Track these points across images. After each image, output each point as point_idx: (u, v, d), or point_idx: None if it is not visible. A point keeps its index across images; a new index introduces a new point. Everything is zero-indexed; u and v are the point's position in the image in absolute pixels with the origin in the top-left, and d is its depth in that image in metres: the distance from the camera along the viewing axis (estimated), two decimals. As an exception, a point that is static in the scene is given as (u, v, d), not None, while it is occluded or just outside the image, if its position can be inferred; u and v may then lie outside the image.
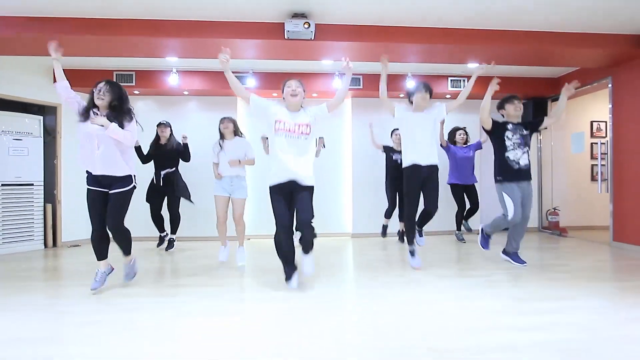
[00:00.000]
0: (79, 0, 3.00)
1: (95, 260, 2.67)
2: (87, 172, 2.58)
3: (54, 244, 4.62)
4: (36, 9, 3.13)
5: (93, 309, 2.33)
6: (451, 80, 5.09)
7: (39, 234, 4.50)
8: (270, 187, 2.66)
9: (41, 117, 4.57)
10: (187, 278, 3.07)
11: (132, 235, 2.77)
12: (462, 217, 4.71)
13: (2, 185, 4.20)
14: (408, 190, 3.20)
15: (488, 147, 5.01)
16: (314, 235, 2.77)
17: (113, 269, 2.79)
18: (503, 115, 3.37)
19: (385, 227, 4.72)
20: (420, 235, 3.47)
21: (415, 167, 3.12)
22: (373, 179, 5.19)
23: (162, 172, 4.23)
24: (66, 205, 4.64)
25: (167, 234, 4.42)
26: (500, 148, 3.27)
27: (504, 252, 3.44)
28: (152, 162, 4.28)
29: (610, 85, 4.44)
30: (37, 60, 4.33)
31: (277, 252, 2.73)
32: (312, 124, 2.66)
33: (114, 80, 4.61)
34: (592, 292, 2.55)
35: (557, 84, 5.29)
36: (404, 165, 3.21)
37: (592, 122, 5.87)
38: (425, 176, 3.14)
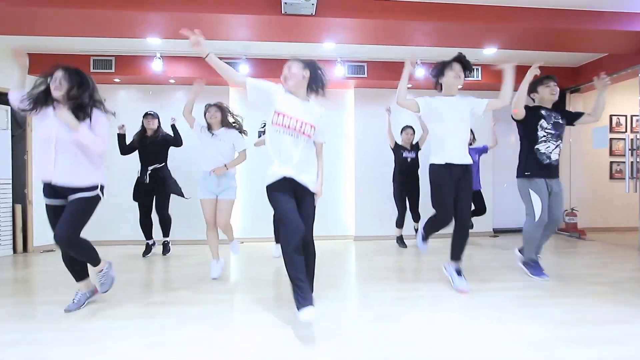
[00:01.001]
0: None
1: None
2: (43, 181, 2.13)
3: (25, 249, 4.16)
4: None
5: (61, 337, 1.89)
6: (463, 68, 4.67)
7: (7, 239, 4.03)
8: (267, 187, 2.08)
9: (8, 108, 4.08)
10: (170, 293, 2.63)
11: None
12: (473, 214, 4.33)
13: (-35, 181, 3.74)
14: (437, 197, 2.53)
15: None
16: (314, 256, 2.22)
17: (96, 291, 2.40)
18: (534, 100, 2.89)
19: (400, 238, 4.31)
20: (425, 241, 2.85)
21: (447, 167, 2.48)
22: (377, 176, 4.76)
23: (149, 168, 3.77)
24: (38, 205, 4.16)
25: (154, 242, 3.96)
26: (529, 138, 2.78)
27: (523, 262, 2.96)
28: (137, 156, 3.83)
29: (640, 74, 4.04)
30: (6, 43, 3.85)
31: (287, 268, 1.94)
32: (317, 126, 2.09)
33: (92, 66, 4.24)
34: (646, 312, 2.15)
35: (577, 74, 4.90)
36: (431, 162, 2.55)
37: (611, 116, 5.48)
38: (458, 178, 2.50)
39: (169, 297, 2.54)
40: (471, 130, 4.28)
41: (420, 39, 3.53)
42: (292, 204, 2.01)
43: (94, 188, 2.15)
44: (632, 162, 4.18)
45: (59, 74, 2.06)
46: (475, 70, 4.69)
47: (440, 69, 2.54)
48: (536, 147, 2.76)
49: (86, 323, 2.06)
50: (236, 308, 2.35)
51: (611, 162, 5.49)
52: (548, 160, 2.76)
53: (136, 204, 3.87)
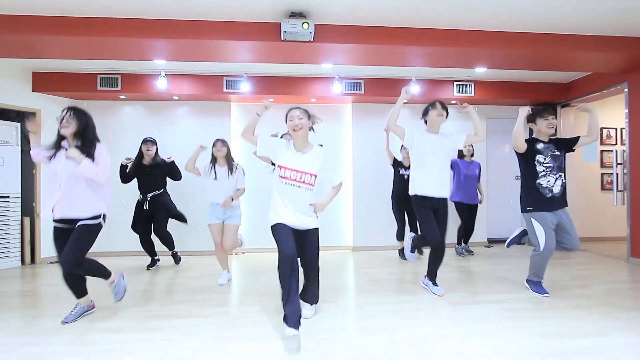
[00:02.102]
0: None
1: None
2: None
3: (32, 260, 4.28)
4: (9, 7, 2.82)
5: (64, 349, 2.02)
6: (457, 85, 4.84)
7: (16, 251, 4.16)
8: (271, 226, 2.31)
9: (18, 124, 4.24)
10: (176, 306, 2.74)
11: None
12: (465, 232, 4.51)
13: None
14: (421, 219, 2.81)
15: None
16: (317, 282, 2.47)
17: (94, 307, 2.58)
18: (532, 130, 2.95)
19: (402, 250, 4.43)
20: (412, 252, 3.13)
21: (425, 199, 2.77)
22: (375, 188, 4.91)
23: (149, 196, 3.85)
24: (46, 218, 4.30)
25: (159, 257, 4.08)
26: (529, 173, 2.81)
27: (527, 280, 3.02)
28: (136, 183, 3.90)
29: (626, 91, 4.20)
30: (15, 63, 4.02)
31: (281, 285, 2.18)
32: (318, 174, 2.31)
33: (99, 84, 4.40)
34: (626, 325, 2.28)
35: (567, 90, 5.07)
36: (411, 193, 2.85)
37: (601, 129, 5.64)
38: (435, 208, 2.79)
39: (175, 309, 2.66)
40: (471, 145, 4.47)
41: (414, 61, 3.68)
42: (290, 235, 2.23)
43: (97, 217, 2.34)
44: (618, 175, 4.33)
45: (66, 114, 2.31)
46: (468, 86, 4.86)
47: (425, 109, 2.88)
48: (537, 181, 2.77)
49: (93, 336, 2.19)
50: (241, 320, 2.46)
51: (602, 174, 5.63)
52: (551, 194, 2.75)
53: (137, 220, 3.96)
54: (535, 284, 2.95)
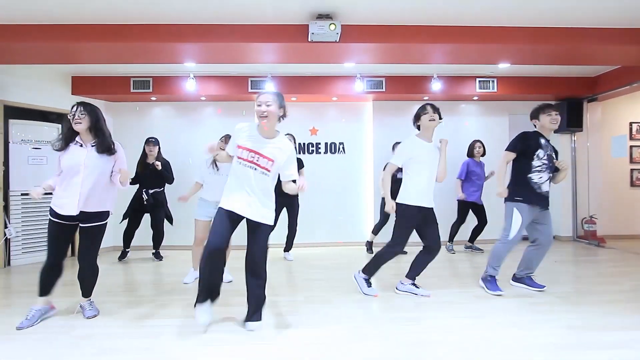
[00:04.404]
0: (94, 7, 2.90)
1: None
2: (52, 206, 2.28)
3: (72, 253, 4.57)
4: (53, 17, 3.05)
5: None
6: (479, 81, 4.82)
7: (58, 243, 4.46)
8: (218, 208, 2.18)
9: (59, 126, 4.52)
10: (166, 306, 2.65)
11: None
12: (458, 229, 4.55)
13: (22, 194, 4.17)
14: (400, 230, 2.72)
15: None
16: (264, 291, 2.25)
17: (54, 308, 2.47)
18: (535, 126, 2.89)
19: (370, 243, 4.61)
20: (414, 284, 2.90)
21: (415, 209, 2.67)
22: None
23: (150, 192, 4.14)
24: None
25: (129, 251, 4.35)
26: (524, 165, 2.76)
27: (515, 278, 3.01)
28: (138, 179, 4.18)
29: (656, 85, 4.09)
30: (56, 68, 4.29)
31: (200, 275, 2.14)
32: (276, 160, 2.14)
33: (132, 87, 4.64)
34: (656, 319, 2.27)
35: (594, 84, 4.95)
36: (398, 201, 2.72)
37: (631, 124, 5.48)
38: (424, 216, 2.71)
39: (165, 309, 2.57)
40: (482, 144, 4.48)
41: (437, 59, 3.71)
42: (227, 226, 2.12)
43: (106, 214, 2.40)
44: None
45: (76, 110, 2.30)
46: (491, 82, 4.83)
47: (417, 114, 2.77)
48: (529, 175, 2.75)
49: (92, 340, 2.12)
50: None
51: (632, 170, 5.48)
52: (539, 190, 2.75)
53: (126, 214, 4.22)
54: (490, 282, 2.87)
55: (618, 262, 3.97)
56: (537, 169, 2.75)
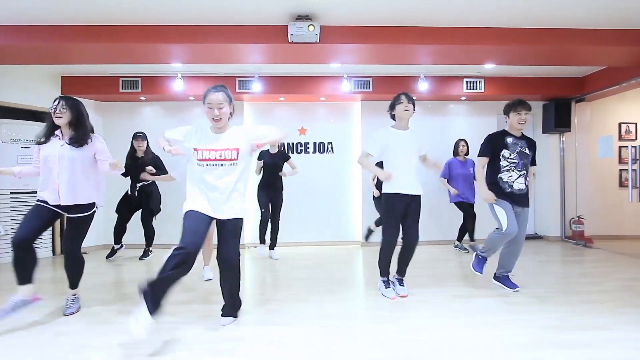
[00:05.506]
0: (84, 8, 2.94)
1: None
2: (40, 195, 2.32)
3: (61, 251, 4.62)
4: (42, 18, 3.09)
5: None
6: (467, 81, 4.84)
7: (48, 242, 4.50)
8: (185, 212, 2.11)
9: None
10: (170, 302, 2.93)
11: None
12: (471, 227, 4.50)
13: (12, 193, 4.22)
14: (387, 220, 2.73)
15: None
16: (238, 294, 2.29)
17: (38, 299, 2.36)
18: (506, 122, 2.91)
19: (370, 232, 4.64)
20: (401, 285, 2.86)
21: (397, 197, 2.66)
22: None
23: (138, 185, 4.14)
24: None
25: (122, 245, 4.32)
26: (493, 167, 2.81)
27: (495, 277, 3.00)
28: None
29: (642, 85, 4.10)
30: (45, 68, 4.33)
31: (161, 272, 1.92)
32: (240, 147, 2.11)
33: (121, 87, 4.67)
34: (629, 320, 2.29)
35: (582, 84, 4.96)
36: (383, 191, 2.73)
37: (620, 124, 5.49)
38: (408, 205, 2.68)
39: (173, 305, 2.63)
40: (466, 142, 4.50)
41: (422, 59, 3.73)
42: (203, 222, 2.05)
43: (92, 206, 2.40)
44: (636, 171, 4.23)
45: (58, 104, 2.29)
46: (478, 82, 4.85)
47: (392, 103, 2.76)
48: (499, 175, 2.78)
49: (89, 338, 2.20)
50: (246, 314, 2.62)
51: (620, 170, 5.48)
52: (510, 189, 2.76)
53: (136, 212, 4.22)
54: (504, 280, 2.91)
55: (603, 262, 3.98)
56: (506, 168, 2.78)
